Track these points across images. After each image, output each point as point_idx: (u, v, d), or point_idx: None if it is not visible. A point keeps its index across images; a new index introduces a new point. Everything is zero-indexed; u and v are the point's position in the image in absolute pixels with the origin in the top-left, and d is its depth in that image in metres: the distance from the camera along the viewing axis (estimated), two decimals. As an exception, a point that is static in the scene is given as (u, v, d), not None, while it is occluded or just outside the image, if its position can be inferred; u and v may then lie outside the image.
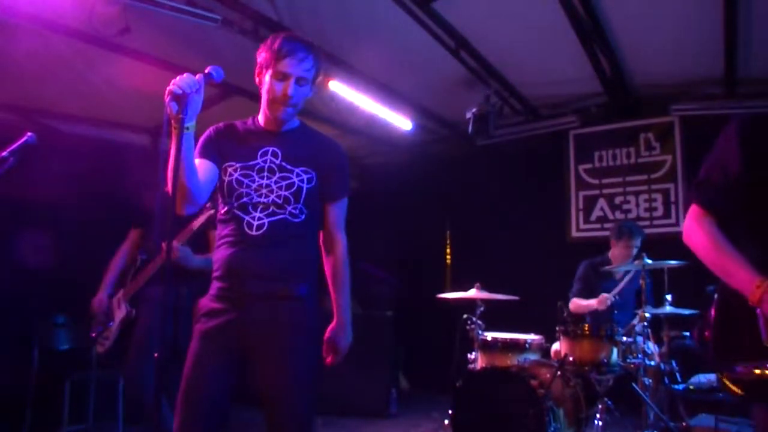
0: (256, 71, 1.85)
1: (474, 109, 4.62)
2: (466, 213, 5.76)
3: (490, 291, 3.53)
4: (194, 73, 1.59)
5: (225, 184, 1.80)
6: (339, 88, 4.15)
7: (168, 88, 1.51)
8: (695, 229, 1.53)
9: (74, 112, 4.49)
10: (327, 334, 1.85)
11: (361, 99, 4.39)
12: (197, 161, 1.77)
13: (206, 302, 1.79)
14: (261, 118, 1.88)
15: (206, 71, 1.62)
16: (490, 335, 3.46)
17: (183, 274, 2.78)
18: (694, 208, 1.55)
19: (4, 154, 1.97)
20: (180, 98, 1.51)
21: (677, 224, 4.58)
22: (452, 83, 4.50)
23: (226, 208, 1.80)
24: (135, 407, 2.72)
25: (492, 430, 2.98)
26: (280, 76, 1.76)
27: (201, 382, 1.69)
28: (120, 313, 2.91)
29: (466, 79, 4.35)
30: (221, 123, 1.91)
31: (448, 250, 5.77)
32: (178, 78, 1.53)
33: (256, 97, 4.41)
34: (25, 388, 3.72)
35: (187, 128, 1.57)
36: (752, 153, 1.45)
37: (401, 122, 5.00)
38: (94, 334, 2.97)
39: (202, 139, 1.86)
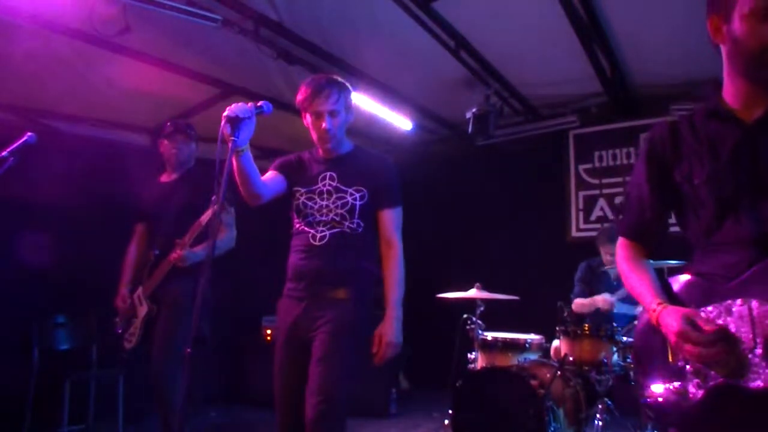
0: (302, 116, 2.18)
1: (474, 109, 4.61)
2: (466, 213, 5.76)
3: (490, 291, 3.53)
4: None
5: (294, 206, 2.16)
6: (339, 88, 4.14)
7: (224, 113, 1.76)
8: (617, 257, 1.54)
9: (74, 112, 4.48)
10: (377, 330, 2.11)
11: (361, 99, 4.39)
12: (270, 173, 2.17)
13: (281, 302, 2.14)
14: (320, 149, 2.21)
15: (258, 104, 1.84)
16: (490, 335, 3.46)
17: (198, 266, 2.90)
18: (620, 237, 1.55)
19: (4, 154, 1.98)
20: (233, 121, 1.76)
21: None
22: (452, 83, 4.50)
23: (297, 225, 2.16)
24: (160, 402, 2.76)
25: (492, 430, 2.98)
26: (316, 115, 2.10)
27: (287, 383, 2.03)
28: (142, 311, 2.97)
29: (466, 79, 4.35)
30: (294, 154, 2.27)
31: (449, 250, 5.77)
32: (233, 105, 1.79)
33: (255, 97, 4.44)
34: (25, 388, 3.72)
35: (243, 150, 1.87)
36: (655, 169, 1.43)
37: (401, 122, 5.00)
38: (119, 331, 3.03)
39: (281, 158, 2.24)
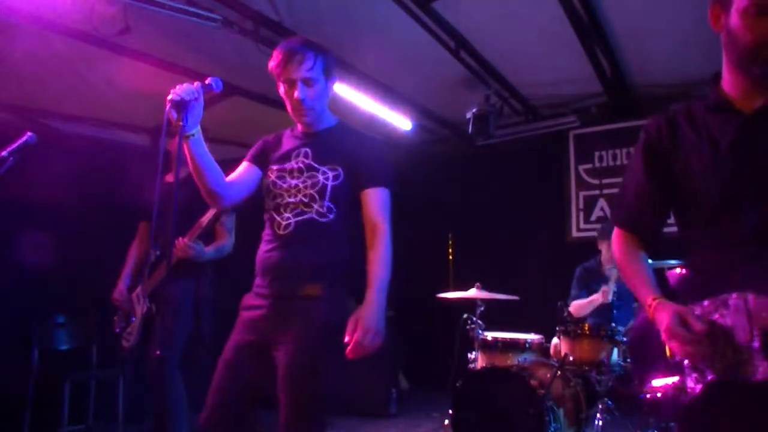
0: (276, 86, 1.92)
1: (474, 109, 4.61)
2: (466, 213, 5.76)
3: (490, 291, 3.53)
4: (195, 73, 1.62)
5: (264, 186, 1.91)
6: (339, 88, 4.15)
7: (168, 97, 1.58)
8: (614, 249, 1.53)
9: (74, 112, 4.48)
10: (353, 315, 1.75)
11: (361, 99, 4.39)
12: (242, 165, 1.93)
13: (247, 297, 1.90)
14: (299, 124, 1.98)
15: (206, 81, 1.68)
16: (490, 335, 3.46)
17: (199, 267, 2.88)
18: (615, 228, 1.55)
19: (4, 154, 1.97)
20: (179, 105, 1.58)
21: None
22: (452, 83, 4.50)
23: (265, 209, 1.91)
24: (158, 401, 2.77)
25: (492, 430, 2.98)
26: (288, 83, 1.84)
27: (231, 370, 1.78)
28: (141, 309, 2.96)
29: (466, 79, 4.35)
30: (272, 134, 2.02)
31: (449, 250, 5.77)
32: (177, 87, 1.60)
33: (256, 97, 4.43)
34: (25, 388, 3.73)
35: (193, 135, 1.67)
36: (653, 161, 1.43)
37: (401, 122, 5.00)
38: (117, 330, 3.03)
39: (254, 146, 2.00)
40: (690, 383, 1.24)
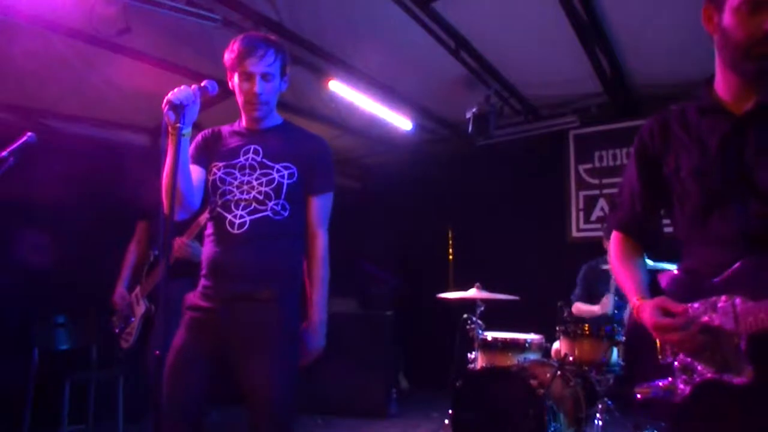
0: (228, 77, 1.91)
1: (474, 109, 4.61)
2: (466, 213, 5.76)
3: (490, 291, 3.53)
4: (195, 73, 1.63)
5: (210, 182, 1.88)
6: (339, 88, 4.15)
7: (166, 98, 1.58)
8: (610, 252, 1.55)
9: (74, 112, 4.48)
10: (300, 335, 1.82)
11: (361, 99, 4.39)
12: (190, 168, 1.86)
13: (192, 298, 1.85)
14: (243, 120, 1.97)
15: (202, 84, 1.68)
16: (490, 335, 3.46)
17: (196, 266, 2.89)
18: (613, 231, 1.57)
19: (4, 154, 1.97)
20: (177, 108, 1.59)
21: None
22: (452, 83, 4.50)
23: (211, 207, 1.87)
24: (158, 400, 2.77)
25: (492, 430, 2.98)
26: (246, 76, 1.83)
27: (181, 373, 1.75)
28: (140, 310, 2.96)
29: (466, 79, 4.35)
30: (208, 129, 1.99)
31: (449, 250, 5.77)
32: (175, 89, 1.61)
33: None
34: (25, 388, 3.72)
35: (183, 135, 1.66)
36: (646, 163, 1.46)
37: (401, 122, 5.00)
38: (117, 330, 3.02)
39: (191, 145, 1.92)
40: (680, 385, 1.26)
